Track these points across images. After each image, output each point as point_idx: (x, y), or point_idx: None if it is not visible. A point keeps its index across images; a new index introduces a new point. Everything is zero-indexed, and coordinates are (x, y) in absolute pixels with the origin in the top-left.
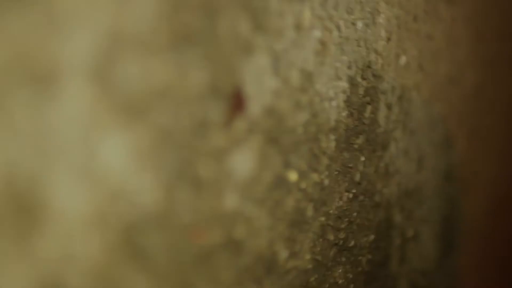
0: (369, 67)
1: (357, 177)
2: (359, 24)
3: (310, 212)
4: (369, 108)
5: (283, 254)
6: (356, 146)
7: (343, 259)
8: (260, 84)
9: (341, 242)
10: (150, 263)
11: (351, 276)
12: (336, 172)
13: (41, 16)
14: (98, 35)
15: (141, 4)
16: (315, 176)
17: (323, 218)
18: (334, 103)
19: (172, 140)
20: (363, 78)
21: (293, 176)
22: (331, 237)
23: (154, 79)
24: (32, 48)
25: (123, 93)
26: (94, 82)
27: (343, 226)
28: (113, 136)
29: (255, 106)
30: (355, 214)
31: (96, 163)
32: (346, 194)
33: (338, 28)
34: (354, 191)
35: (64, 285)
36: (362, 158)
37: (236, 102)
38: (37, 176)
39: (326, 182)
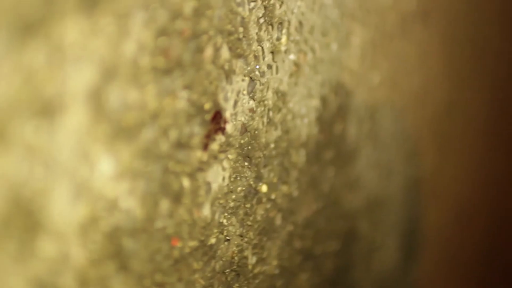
0: (342, 85)
1: (326, 189)
2: (334, 46)
3: (278, 221)
4: (340, 123)
5: (251, 259)
6: (326, 160)
7: (309, 266)
8: (237, 105)
9: (307, 250)
10: (130, 262)
11: (316, 282)
12: (305, 184)
13: (51, 50)
14: (96, 68)
15: (134, 40)
16: (284, 188)
17: (291, 227)
18: (306, 120)
19: (157, 156)
20: (336, 96)
21: (263, 187)
22: (297, 245)
23: (144, 104)
24: (41, 80)
25: (116, 117)
26: (91, 108)
27: (309, 235)
28: (106, 153)
29: (232, 125)
30: (322, 224)
31: (90, 177)
32: (314, 205)
33: (313, 50)
34: (322, 202)
35: (58, 282)
36: (331, 171)
37: (216, 122)
38: (42, 188)
39: (295, 193)
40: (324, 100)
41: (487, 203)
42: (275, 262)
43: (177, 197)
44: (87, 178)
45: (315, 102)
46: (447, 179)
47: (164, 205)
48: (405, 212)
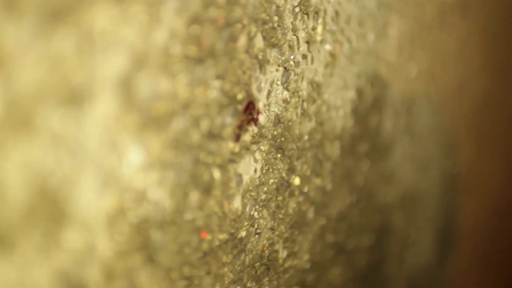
0: (378, 76)
1: (360, 183)
2: (371, 36)
3: (311, 214)
4: (376, 116)
5: (282, 253)
6: (360, 153)
7: (341, 260)
8: (271, 96)
9: (340, 244)
10: (158, 254)
11: (348, 277)
12: (339, 178)
13: (80, 38)
14: (126, 56)
15: (165, 28)
16: (318, 181)
17: (323, 221)
18: (341, 112)
19: (188, 146)
20: (372, 88)
21: (296, 180)
22: (330, 239)
23: (175, 93)
24: (69, 68)
25: (146, 106)
26: (121, 97)
27: (343, 229)
28: (135, 143)
29: (265, 116)
30: (355, 218)
31: (119, 167)
32: (348, 198)
33: (349, 40)
34: (356, 195)
35: (84, 273)
36: (366, 164)
37: (248, 113)
38: (68, 178)
39: (329, 186)
40: (360, 91)
41: None
42: (306, 257)
43: (207, 189)
44: (115, 168)
45: (351, 94)
46: (483, 174)
47: (194, 196)
48: (440, 207)
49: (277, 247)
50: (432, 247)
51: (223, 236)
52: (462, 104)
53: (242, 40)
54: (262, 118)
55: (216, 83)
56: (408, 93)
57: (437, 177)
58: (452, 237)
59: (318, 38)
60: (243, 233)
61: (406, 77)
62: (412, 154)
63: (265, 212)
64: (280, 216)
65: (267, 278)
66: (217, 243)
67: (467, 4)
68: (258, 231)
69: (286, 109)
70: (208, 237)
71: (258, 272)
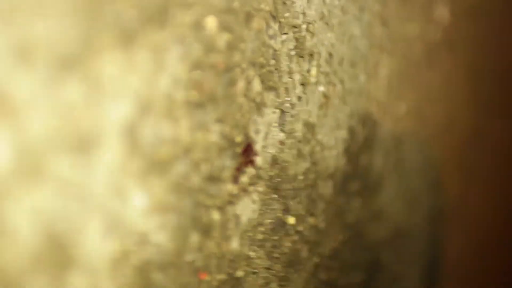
0: (369, 116)
1: (351, 220)
2: (362, 77)
3: (305, 253)
4: (367, 154)
5: None
6: (352, 191)
7: None
8: (268, 138)
9: (332, 281)
10: None
11: None
12: (332, 216)
13: (89, 86)
14: (131, 103)
15: (169, 74)
16: (311, 220)
17: (317, 259)
18: (334, 152)
19: (189, 189)
20: (363, 127)
21: (291, 220)
22: (323, 276)
23: (177, 138)
24: (78, 115)
25: (150, 151)
26: (126, 143)
27: (335, 266)
28: (139, 188)
29: (262, 157)
30: (347, 255)
31: (123, 212)
32: (340, 236)
33: (342, 81)
34: (347, 233)
35: None
36: (357, 202)
37: (246, 155)
38: (75, 223)
39: (322, 225)
40: (352, 131)
41: (510, 234)
42: None
43: (206, 231)
44: (120, 212)
45: (343, 133)
46: (470, 208)
47: (194, 238)
48: (428, 242)
49: (273, 286)
50: (419, 282)
51: (221, 277)
52: (450, 139)
53: (241, 84)
54: (259, 160)
55: (216, 127)
56: (397, 131)
57: (425, 212)
58: (439, 271)
59: (313, 80)
60: (240, 273)
61: (395, 115)
62: (401, 190)
63: (261, 251)
64: (276, 255)
65: None
66: (215, 283)
67: (453, 41)
68: (254, 270)
69: (282, 150)
70: (207, 278)
71: None
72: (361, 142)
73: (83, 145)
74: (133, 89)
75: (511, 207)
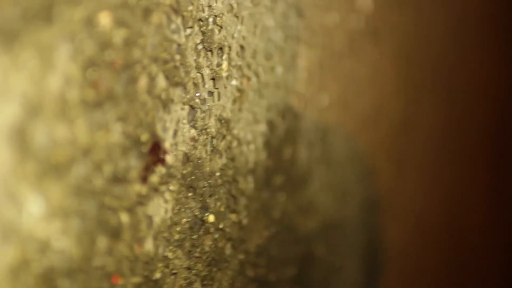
0: (290, 108)
1: (277, 215)
2: (279, 69)
3: (228, 250)
4: (290, 148)
5: None
6: (276, 185)
7: None
8: (178, 135)
9: (261, 278)
10: None
11: None
12: (255, 211)
13: None
14: (18, 104)
15: (60, 73)
16: (233, 216)
17: (242, 256)
18: (252, 146)
19: (91, 192)
20: (284, 120)
21: (210, 217)
22: (251, 273)
23: (74, 139)
24: None
25: (44, 154)
26: (15, 146)
27: (263, 262)
28: (34, 193)
29: (172, 156)
30: (275, 250)
31: (18, 218)
32: (266, 231)
33: (257, 74)
34: (274, 228)
35: None
36: (283, 197)
37: (154, 154)
38: None
39: (245, 221)
40: (271, 124)
41: (447, 218)
42: None
43: (115, 234)
44: (14, 219)
45: (262, 127)
46: (406, 196)
47: (102, 242)
48: (364, 232)
49: (195, 286)
50: (358, 273)
51: (136, 280)
52: (378, 129)
53: (143, 81)
54: (169, 158)
55: (118, 126)
56: (321, 123)
57: (357, 203)
58: (378, 261)
59: (224, 74)
60: (157, 275)
61: (318, 107)
62: (329, 182)
63: (179, 252)
64: (196, 254)
65: None
66: (130, 287)
67: (378, 30)
68: (173, 271)
69: (195, 147)
70: (120, 281)
71: None
72: (282, 135)
73: None
74: (19, 90)
75: (444, 193)
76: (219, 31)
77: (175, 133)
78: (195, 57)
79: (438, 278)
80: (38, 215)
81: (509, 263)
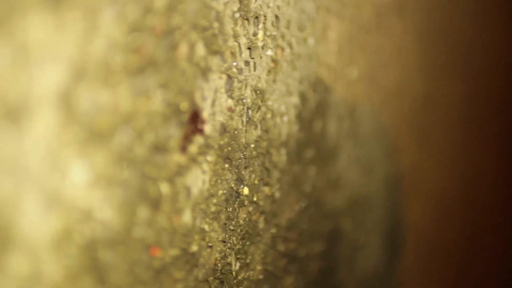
0: (320, 81)
1: (308, 189)
2: (311, 40)
3: (261, 224)
4: (320, 121)
5: (235, 265)
6: (307, 158)
7: (294, 269)
8: (215, 105)
9: (291, 252)
10: (109, 276)
11: (301, 285)
12: (287, 185)
13: (14, 50)
14: (63, 68)
15: (104, 37)
16: (266, 189)
17: (274, 230)
18: (285, 118)
19: (133, 161)
20: (315, 92)
21: (245, 190)
22: (281, 248)
23: (116, 105)
24: (3, 82)
25: (87, 120)
26: (60, 111)
27: (293, 237)
28: (78, 160)
29: (210, 126)
30: (305, 224)
31: (62, 186)
32: (297, 205)
33: (290, 45)
34: (304, 202)
35: None
36: (313, 170)
37: (193, 123)
38: (9, 200)
39: (277, 194)
40: (303, 97)
41: (466, 197)
42: (259, 267)
43: (155, 204)
44: (58, 187)
45: (294, 99)
46: (427, 173)
47: (142, 213)
48: (386, 209)
49: (229, 259)
50: (380, 249)
51: (174, 252)
52: (402, 104)
53: (183, 48)
54: (207, 128)
55: (159, 94)
56: (349, 97)
57: (382, 179)
58: (399, 237)
59: (260, 44)
60: (194, 248)
61: (347, 81)
62: (356, 157)
63: (215, 224)
64: (231, 227)
65: None
66: (168, 259)
67: (403, 5)
68: (209, 244)
69: (232, 118)
70: (159, 254)
71: (212, 287)
72: (313, 108)
73: (11, 114)
74: (64, 52)
75: (465, 170)
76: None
77: (213, 102)
78: (232, 26)
79: (456, 255)
80: (82, 183)
81: None
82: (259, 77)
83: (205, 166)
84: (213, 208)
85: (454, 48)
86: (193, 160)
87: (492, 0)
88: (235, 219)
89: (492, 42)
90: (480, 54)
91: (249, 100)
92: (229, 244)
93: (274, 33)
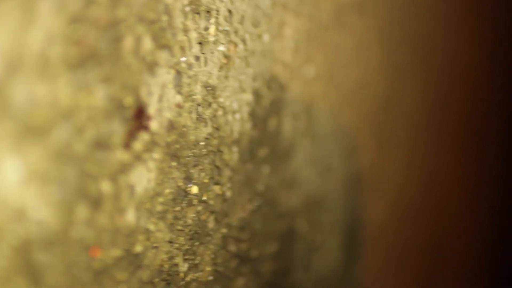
0: (275, 78)
1: (261, 188)
2: (266, 37)
3: (211, 224)
4: (274, 119)
5: (183, 266)
6: (260, 157)
7: (246, 270)
8: (163, 100)
9: (243, 253)
10: (45, 277)
11: (254, 286)
12: (239, 184)
13: None
14: None
15: (41, 28)
16: (217, 188)
17: (225, 230)
18: (238, 116)
19: (72, 157)
20: (269, 90)
21: (194, 189)
22: (233, 248)
23: (54, 100)
24: None
25: (22, 114)
26: None
27: (245, 237)
28: (11, 156)
29: (157, 122)
30: (258, 224)
31: None
32: (249, 205)
33: (244, 41)
34: (257, 202)
35: None
36: (267, 169)
37: (138, 119)
38: None
39: (229, 193)
40: (257, 94)
41: (430, 197)
42: (209, 268)
43: (95, 203)
44: None
45: (248, 97)
46: (389, 174)
47: (81, 212)
48: (345, 209)
49: (177, 260)
50: (338, 249)
51: (116, 253)
52: (362, 104)
53: (129, 41)
54: (154, 125)
55: (101, 88)
56: (306, 95)
57: (340, 179)
58: (358, 238)
59: (211, 38)
60: (138, 248)
61: (304, 79)
62: (313, 156)
63: (162, 224)
64: (179, 227)
65: None
66: (110, 260)
67: (364, 3)
68: (155, 244)
69: (180, 114)
70: (100, 254)
71: (159, 287)
72: (268, 106)
73: None
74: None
75: (427, 171)
76: None
77: (160, 98)
78: (182, 19)
79: (417, 254)
80: (15, 181)
81: (489, 237)
82: (210, 73)
83: (151, 164)
84: (159, 208)
85: (417, 49)
86: (138, 158)
87: (455, 1)
88: (182, 219)
89: (454, 43)
90: (442, 55)
91: (199, 97)
92: (176, 245)
93: (227, 28)
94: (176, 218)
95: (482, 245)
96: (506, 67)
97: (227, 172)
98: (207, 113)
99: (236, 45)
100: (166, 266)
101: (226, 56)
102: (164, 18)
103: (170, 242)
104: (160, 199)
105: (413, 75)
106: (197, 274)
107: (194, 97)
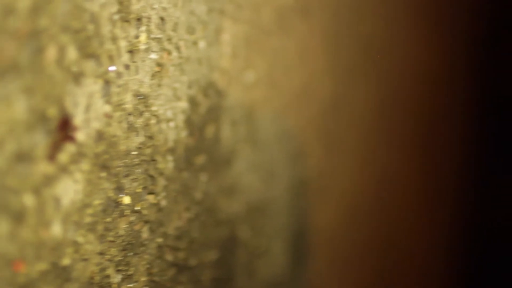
0: (212, 85)
1: (199, 196)
2: (202, 44)
3: (145, 233)
4: (212, 126)
5: (116, 277)
6: (197, 165)
7: (184, 279)
8: (90, 111)
9: (181, 261)
10: None
11: None
12: (175, 192)
13: None
14: None
15: None
16: (151, 198)
17: (160, 239)
18: (172, 124)
19: None
20: (206, 97)
21: (126, 199)
22: (170, 257)
23: None
24: None
25: None
26: None
27: (183, 246)
28: None
29: (84, 133)
30: (196, 233)
31: None
32: (186, 213)
33: (178, 48)
34: (195, 210)
35: None
36: (205, 177)
37: (63, 130)
38: None
39: (164, 202)
40: (192, 101)
41: (380, 200)
42: (144, 278)
43: (18, 217)
44: None
45: (183, 104)
46: (337, 177)
47: (2, 227)
48: (291, 215)
49: (108, 271)
50: (284, 255)
51: (42, 267)
52: (309, 108)
53: (51, 51)
54: (80, 135)
55: (21, 100)
56: (247, 101)
57: (285, 184)
58: (307, 244)
59: (142, 46)
60: (66, 261)
61: (244, 84)
62: (256, 162)
63: (91, 236)
64: (110, 238)
65: None
66: (35, 274)
67: (307, 6)
68: (84, 257)
69: (109, 124)
70: (24, 269)
71: None
72: (205, 113)
73: None
74: None
75: (377, 173)
76: (138, 1)
77: (87, 108)
78: (110, 28)
79: (369, 261)
80: None
81: (444, 243)
82: (141, 82)
83: (78, 175)
84: (88, 219)
85: (366, 50)
86: (63, 169)
87: (404, 2)
88: (114, 230)
89: (404, 44)
90: (392, 57)
91: (130, 106)
92: (107, 256)
93: (160, 35)
94: (107, 229)
95: (441, 247)
96: (463, 66)
97: (161, 181)
98: (139, 122)
99: (169, 52)
100: (97, 278)
101: (159, 64)
102: (90, 27)
103: (101, 253)
104: (89, 211)
105: (363, 77)
106: (131, 285)
107: (124, 106)
